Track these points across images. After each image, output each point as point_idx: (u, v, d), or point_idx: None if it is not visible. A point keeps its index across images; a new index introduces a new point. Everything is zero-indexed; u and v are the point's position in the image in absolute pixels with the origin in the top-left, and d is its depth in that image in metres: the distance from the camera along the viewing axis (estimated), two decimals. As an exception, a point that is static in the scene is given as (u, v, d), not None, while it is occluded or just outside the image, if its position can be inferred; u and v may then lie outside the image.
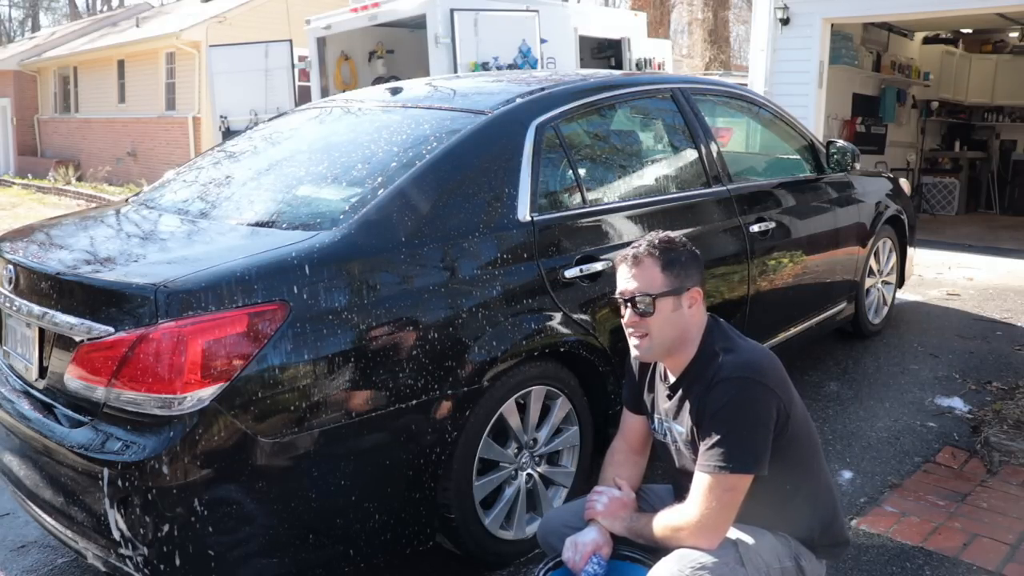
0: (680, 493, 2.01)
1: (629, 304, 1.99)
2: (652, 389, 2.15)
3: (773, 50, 9.11)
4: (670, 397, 2.06)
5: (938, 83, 11.75)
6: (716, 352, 1.97)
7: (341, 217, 2.36)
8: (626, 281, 2.00)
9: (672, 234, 2.06)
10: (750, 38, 10.10)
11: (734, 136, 5.71)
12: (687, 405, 1.99)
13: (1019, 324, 5.39)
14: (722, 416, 1.87)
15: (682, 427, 2.01)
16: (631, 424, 2.24)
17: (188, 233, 2.56)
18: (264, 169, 2.96)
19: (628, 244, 2.89)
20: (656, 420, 2.13)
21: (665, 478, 2.23)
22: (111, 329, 2.05)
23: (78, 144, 21.72)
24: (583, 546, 2.01)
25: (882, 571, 2.62)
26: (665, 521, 1.94)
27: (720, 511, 1.85)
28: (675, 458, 2.08)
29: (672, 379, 2.06)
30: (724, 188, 3.49)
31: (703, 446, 1.89)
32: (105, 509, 2.02)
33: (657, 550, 1.95)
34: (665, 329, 1.97)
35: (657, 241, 2.02)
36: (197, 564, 2.02)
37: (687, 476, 1.96)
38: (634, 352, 2.05)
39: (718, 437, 1.86)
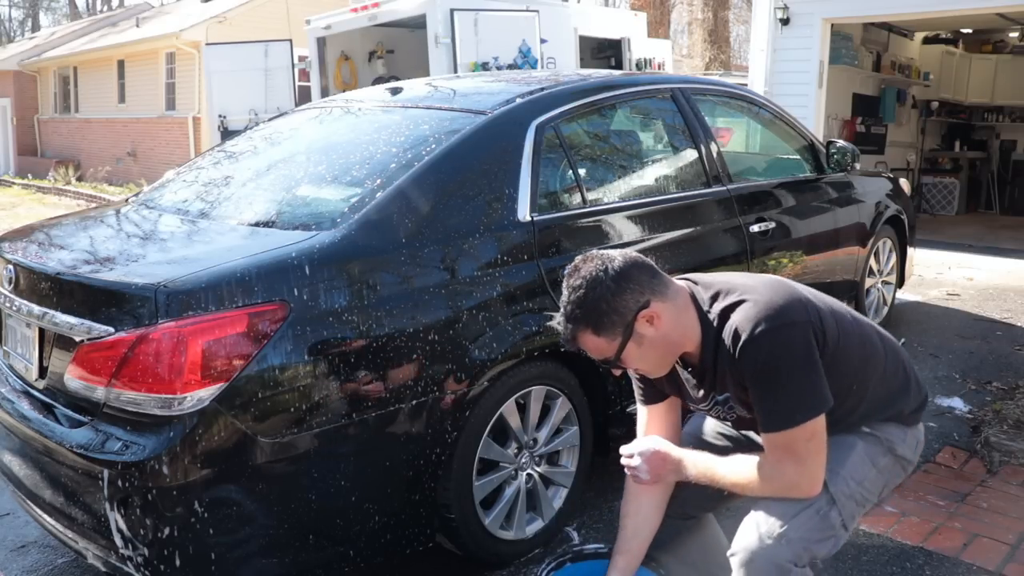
0: (744, 435, 2.05)
1: (603, 365, 1.89)
2: (674, 382, 2.02)
3: (773, 50, 9.11)
4: (699, 385, 1.94)
5: (938, 83, 11.75)
6: (719, 317, 1.81)
7: (341, 217, 2.35)
8: (581, 350, 1.86)
9: (581, 266, 1.80)
10: (750, 38, 10.10)
11: (734, 136, 5.70)
12: (719, 375, 1.86)
13: (1019, 324, 5.39)
14: (765, 375, 1.74)
15: (727, 392, 1.88)
16: (653, 410, 2.09)
17: (188, 233, 2.56)
18: (264, 169, 2.96)
19: (629, 244, 2.93)
20: (693, 407, 2.04)
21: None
22: (111, 329, 2.05)
23: (78, 144, 21.71)
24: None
25: (882, 571, 2.62)
26: (749, 475, 1.82)
27: (809, 460, 1.76)
28: (731, 416, 1.95)
29: (693, 366, 1.92)
30: (724, 188, 3.49)
31: (760, 411, 1.77)
32: (105, 509, 2.02)
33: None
34: (649, 357, 1.85)
35: (569, 303, 1.77)
36: (197, 564, 2.02)
37: (751, 423, 1.87)
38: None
39: (773, 397, 1.74)
